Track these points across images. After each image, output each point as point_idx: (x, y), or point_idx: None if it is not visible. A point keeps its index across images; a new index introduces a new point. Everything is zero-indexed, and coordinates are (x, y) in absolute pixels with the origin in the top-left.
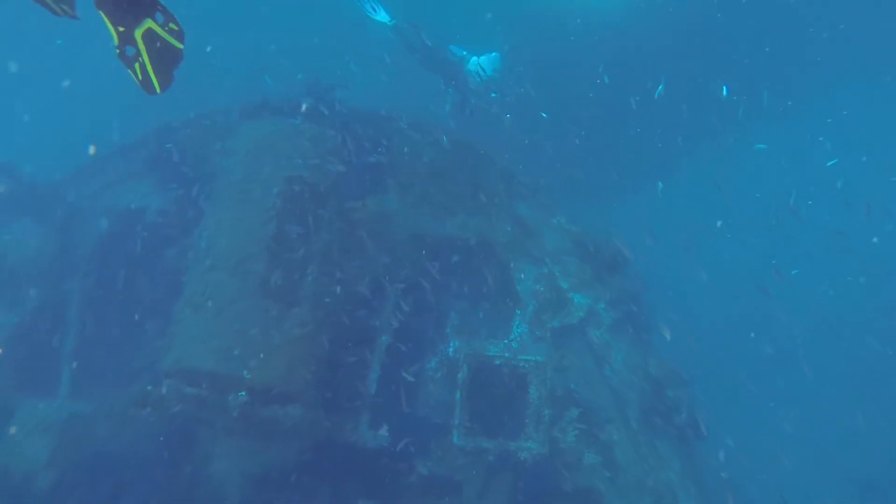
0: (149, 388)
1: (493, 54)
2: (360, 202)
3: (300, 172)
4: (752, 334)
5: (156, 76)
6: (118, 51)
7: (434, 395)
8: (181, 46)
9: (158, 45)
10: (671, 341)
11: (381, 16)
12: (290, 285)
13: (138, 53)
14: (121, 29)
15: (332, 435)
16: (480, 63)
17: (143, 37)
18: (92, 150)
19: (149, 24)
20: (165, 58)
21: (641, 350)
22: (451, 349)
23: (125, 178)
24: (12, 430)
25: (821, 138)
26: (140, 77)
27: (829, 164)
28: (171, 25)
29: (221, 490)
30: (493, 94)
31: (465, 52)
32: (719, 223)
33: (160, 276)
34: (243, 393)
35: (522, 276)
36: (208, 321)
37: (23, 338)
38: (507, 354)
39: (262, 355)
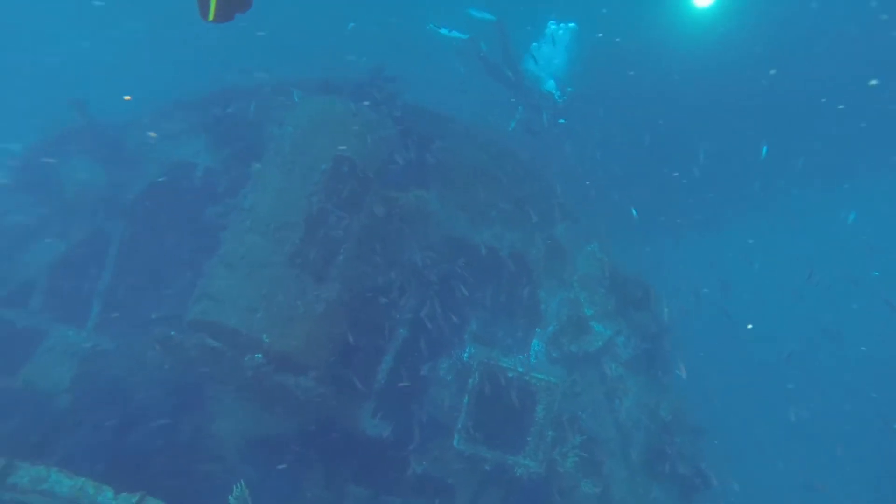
0: (172, 333)
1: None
2: (403, 194)
3: (350, 154)
4: (790, 385)
5: (215, 4)
6: None
7: (441, 397)
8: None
9: None
10: (687, 385)
11: (487, 15)
12: (322, 260)
13: None
14: None
15: (335, 415)
16: (554, 86)
17: None
18: (127, 97)
19: None
20: None
21: (655, 390)
22: (465, 354)
23: (180, 133)
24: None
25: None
26: None
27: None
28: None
29: (220, 448)
30: (560, 121)
31: (542, 73)
32: (810, 274)
33: (199, 230)
34: (260, 355)
35: (548, 296)
36: (238, 280)
37: (65, 267)
38: (520, 369)
39: (284, 322)
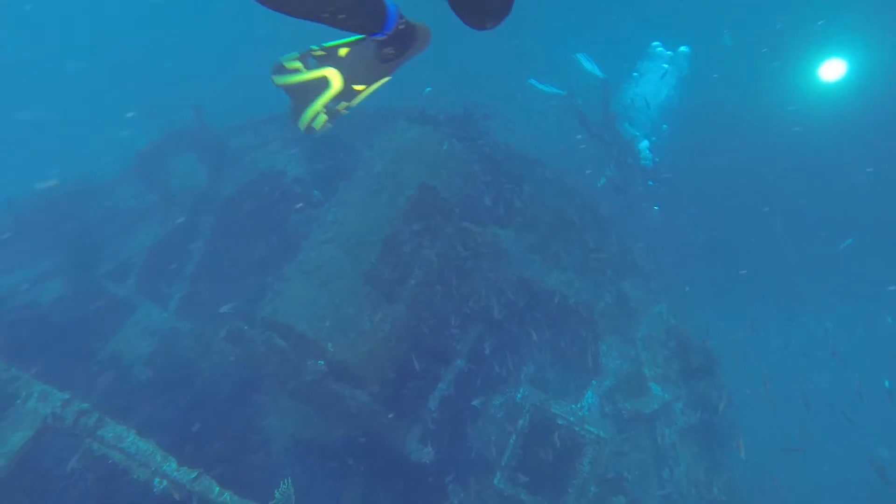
0: (245, 327)
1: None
2: (481, 230)
3: (436, 183)
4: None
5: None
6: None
7: (489, 432)
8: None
9: (302, 96)
10: (749, 467)
11: (595, 69)
12: (394, 281)
13: (307, 69)
14: (341, 54)
15: (383, 433)
16: (647, 147)
17: (321, 78)
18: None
19: (337, 81)
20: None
21: (709, 466)
22: (518, 395)
23: (275, 142)
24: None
25: None
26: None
27: None
28: (324, 117)
29: (268, 444)
30: (650, 182)
31: (637, 133)
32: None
33: (281, 235)
34: (322, 362)
35: (609, 349)
36: (312, 288)
37: (159, 251)
38: (571, 418)
39: (349, 334)
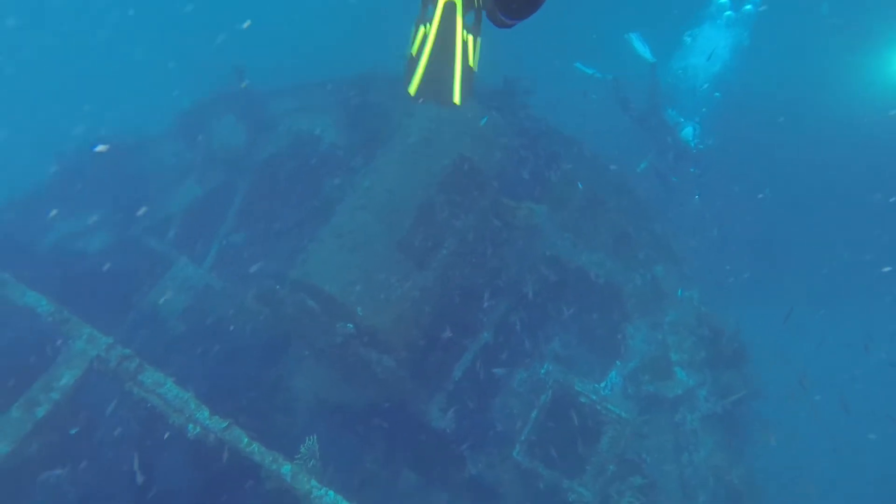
0: (277, 286)
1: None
2: (516, 203)
3: (473, 154)
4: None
5: (422, 72)
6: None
7: (511, 405)
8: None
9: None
10: (770, 459)
11: (647, 52)
12: (425, 249)
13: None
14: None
15: (407, 399)
16: (692, 134)
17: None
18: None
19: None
20: (442, 64)
21: (729, 455)
22: (542, 370)
23: (314, 107)
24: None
25: None
26: (413, 56)
27: None
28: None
29: (294, 403)
30: (692, 169)
31: (682, 119)
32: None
33: (316, 198)
34: (351, 325)
35: (635, 331)
36: (344, 252)
37: (197, 209)
38: (593, 397)
39: (379, 299)
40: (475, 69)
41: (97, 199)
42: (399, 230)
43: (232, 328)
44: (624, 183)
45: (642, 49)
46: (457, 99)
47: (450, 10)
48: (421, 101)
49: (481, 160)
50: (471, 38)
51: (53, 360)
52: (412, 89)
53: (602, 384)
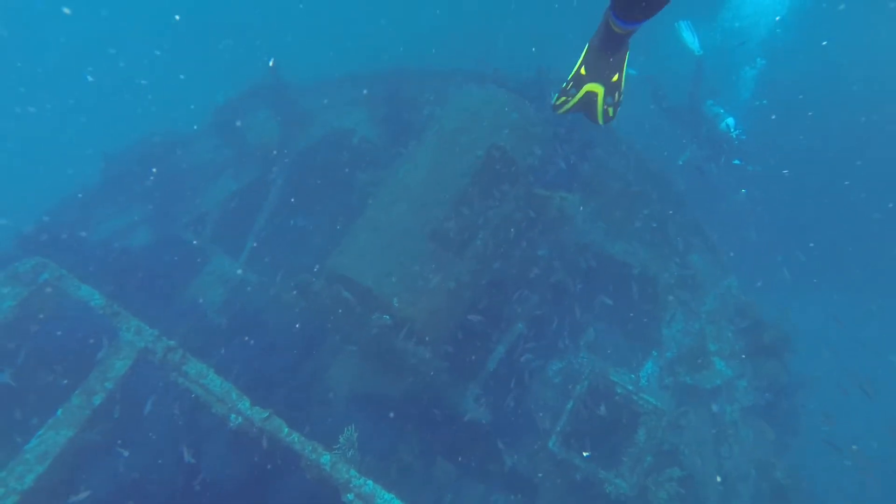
0: (314, 279)
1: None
2: (549, 193)
3: (505, 145)
4: None
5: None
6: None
7: (546, 397)
8: (601, 123)
9: (586, 109)
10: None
11: (695, 43)
12: (460, 240)
13: (571, 98)
14: (583, 72)
15: (442, 390)
16: (732, 125)
17: (586, 95)
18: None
19: (598, 88)
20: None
21: (772, 448)
22: (578, 361)
23: (346, 101)
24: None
25: None
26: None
27: None
28: (611, 108)
29: (330, 395)
30: (736, 161)
31: (721, 111)
32: None
33: (350, 192)
34: (388, 317)
35: (672, 321)
36: (379, 244)
37: (232, 204)
38: (629, 387)
39: (414, 291)
40: (620, 100)
41: (140, 196)
42: (433, 221)
43: (269, 321)
44: (661, 172)
45: (691, 39)
46: (601, 121)
47: (590, 97)
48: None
49: (514, 150)
50: (611, 110)
51: (106, 350)
52: (560, 111)
53: (638, 374)
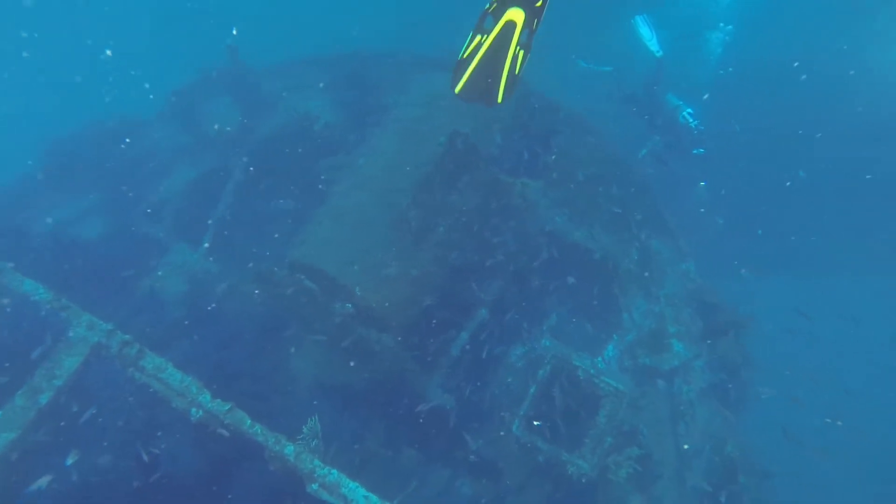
0: (275, 268)
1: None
2: (511, 180)
3: (468, 131)
4: None
5: (466, 80)
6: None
7: (509, 381)
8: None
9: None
10: (763, 427)
11: (654, 43)
12: (422, 228)
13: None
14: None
15: (406, 377)
16: (691, 115)
17: (506, 25)
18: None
19: (519, 15)
20: (490, 70)
21: (725, 425)
22: (540, 345)
23: (307, 86)
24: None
25: None
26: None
27: None
28: (521, 55)
29: (293, 384)
30: (701, 150)
31: (681, 102)
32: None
33: (311, 179)
34: (350, 305)
35: (631, 305)
36: (341, 232)
37: (191, 192)
38: (591, 371)
39: (377, 279)
40: (519, 76)
41: (90, 184)
42: (396, 209)
43: (230, 311)
44: (623, 160)
45: (649, 38)
46: (499, 100)
47: (509, 27)
48: (463, 99)
49: (476, 137)
50: (521, 52)
51: (54, 347)
52: (458, 89)
53: (599, 358)
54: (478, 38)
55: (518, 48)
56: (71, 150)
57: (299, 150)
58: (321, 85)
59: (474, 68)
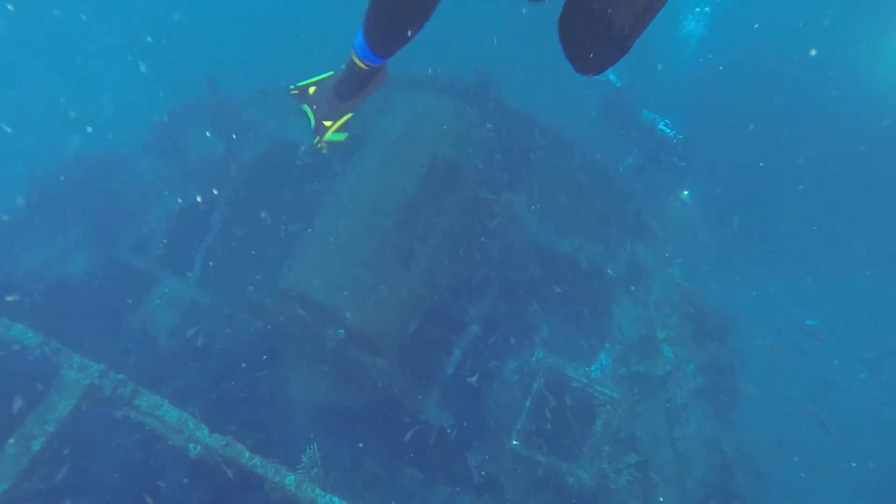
0: (266, 298)
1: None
2: (494, 196)
3: (449, 152)
4: None
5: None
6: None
7: (505, 396)
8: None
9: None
10: (758, 427)
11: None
12: (409, 250)
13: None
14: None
15: (403, 398)
16: (668, 127)
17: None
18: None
19: (310, 115)
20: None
21: (720, 426)
22: (533, 358)
23: (287, 112)
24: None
25: None
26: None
27: None
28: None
29: (291, 411)
30: (681, 163)
31: (655, 115)
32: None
33: (297, 205)
34: (342, 331)
35: (621, 312)
36: (329, 258)
37: (177, 223)
38: (584, 380)
39: (367, 303)
40: (321, 146)
41: (74, 220)
42: (382, 232)
43: (223, 342)
44: (605, 170)
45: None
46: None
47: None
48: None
49: (458, 156)
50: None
51: (46, 392)
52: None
53: (592, 367)
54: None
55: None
56: (52, 186)
57: (283, 176)
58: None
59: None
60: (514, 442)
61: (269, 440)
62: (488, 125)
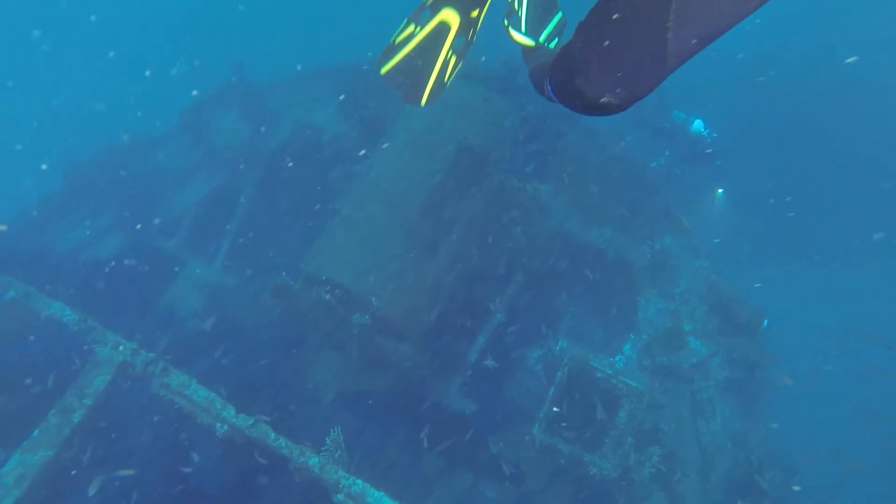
0: (291, 282)
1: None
2: (521, 184)
3: (476, 139)
4: None
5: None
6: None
7: (528, 384)
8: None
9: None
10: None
11: None
12: (435, 236)
13: (419, 29)
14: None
15: (426, 384)
16: (702, 126)
17: (438, 26)
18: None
19: (455, 19)
20: (418, 65)
21: (747, 420)
22: (557, 348)
23: (314, 97)
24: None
25: None
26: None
27: None
28: (454, 60)
29: (315, 396)
30: (718, 163)
31: (685, 115)
32: None
33: (323, 190)
34: (368, 316)
35: (647, 304)
36: (355, 243)
37: (205, 206)
38: (609, 371)
39: (393, 288)
40: (447, 85)
41: (106, 204)
42: (408, 218)
43: (249, 325)
44: (632, 160)
45: None
46: (423, 103)
47: (443, 29)
48: (387, 85)
49: (486, 143)
50: (454, 59)
51: (83, 367)
52: (383, 71)
53: (617, 358)
54: (411, 27)
55: (451, 53)
56: (87, 171)
57: (309, 162)
58: (342, 97)
59: (403, 58)
60: (537, 431)
61: (293, 422)
62: (515, 113)
